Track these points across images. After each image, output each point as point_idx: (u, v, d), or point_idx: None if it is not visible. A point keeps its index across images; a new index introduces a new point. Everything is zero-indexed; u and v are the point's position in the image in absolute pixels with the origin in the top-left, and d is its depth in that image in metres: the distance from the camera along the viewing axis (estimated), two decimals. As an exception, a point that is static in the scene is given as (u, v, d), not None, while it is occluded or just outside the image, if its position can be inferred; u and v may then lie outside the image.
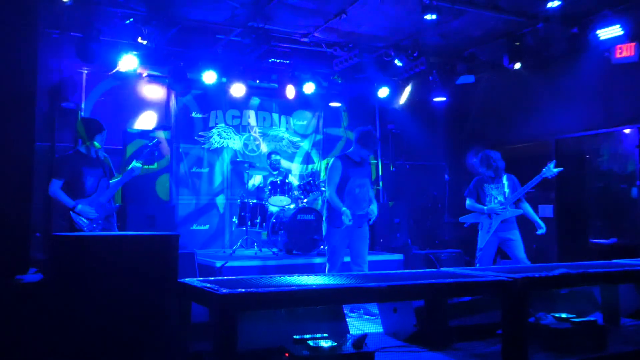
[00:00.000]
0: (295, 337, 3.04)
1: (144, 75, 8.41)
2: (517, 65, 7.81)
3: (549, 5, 6.69)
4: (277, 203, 8.01)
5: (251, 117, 9.69)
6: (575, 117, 8.13)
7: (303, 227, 7.64)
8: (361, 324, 4.83)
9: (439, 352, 3.57)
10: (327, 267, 5.52)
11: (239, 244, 8.04)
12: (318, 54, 8.60)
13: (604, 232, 7.52)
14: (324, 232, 5.57)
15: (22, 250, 2.66)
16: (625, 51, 6.91)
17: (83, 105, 8.23)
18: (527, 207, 6.07)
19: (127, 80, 8.37)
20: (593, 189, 7.84)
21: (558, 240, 7.93)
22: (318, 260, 7.25)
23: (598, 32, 6.85)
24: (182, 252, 6.41)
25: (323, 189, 8.18)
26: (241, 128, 9.60)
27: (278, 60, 8.52)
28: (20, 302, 2.54)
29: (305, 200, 8.10)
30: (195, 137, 9.21)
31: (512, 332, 3.21)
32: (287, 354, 2.86)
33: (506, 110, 9.12)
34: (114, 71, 8.05)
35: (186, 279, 2.98)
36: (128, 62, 7.54)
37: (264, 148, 9.65)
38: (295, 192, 8.17)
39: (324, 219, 5.58)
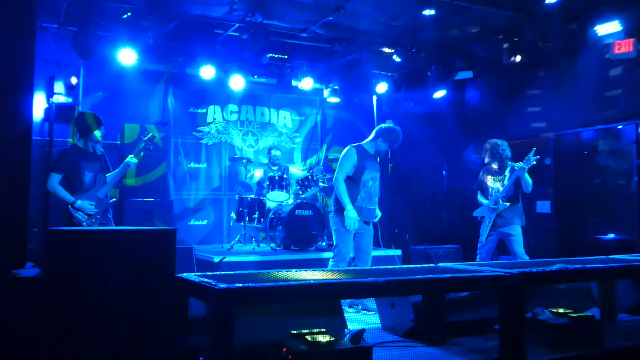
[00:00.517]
0: (292, 331, 3.04)
1: (142, 69, 8.38)
2: (518, 58, 7.80)
3: (548, 1, 6.68)
4: (275, 198, 8.01)
5: (249, 112, 9.68)
6: (574, 113, 8.13)
7: (301, 223, 7.64)
8: (359, 317, 4.83)
9: (437, 347, 3.57)
10: (334, 262, 5.28)
11: (237, 239, 8.04)
12: (316, 49, 8.58)
13: (601, 228, 7.53)
14: (332, 223, 5.35)
15: (19, 244, 2.65)
16: (623, 47, 6.91)
17: (80, 100, 8.20)
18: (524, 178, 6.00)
19: (125, 75, 8.34)
20: (591, 185, 7.85)
21: (556, 236, 7.93)
22: (316, 255, 7.25)
23: (597, 28, 6.85)
24: (180, 247, 6.44)
25: (321, 184, 8.19)
26: (239, 123, 9.59)
27: (276, 56, 8.51)
28: (17, 297, 2.54)
29: (303, 196, 8.10)
30: (193, 132, 9.20)
31: (510, 327, 3.21)
32: (284, 349, 2.86)
33: (504, 106, 9.12)
34: (111, 66, 8.02)
35: (184, 274, 2.98)
36: (126, 57, 7.52)
37: (262, 143, 9.64)
38: (294, 188, 8.16)
39: (332, 209, 5.39)
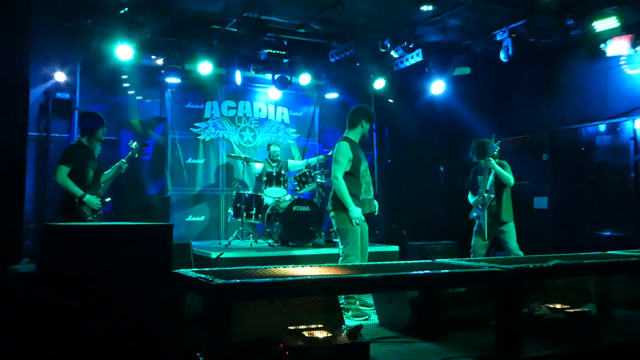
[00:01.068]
0: (290, 327, 3.04)
1: (139, 65, 8.35)
2: (516, 54, 7.80)
3: (545, -4, 6.68)
4: (273, 194, 8.00)
5: (247, 108, 9.67)
6: (571, 109, 8.13)
7: (299, 219, 7.64)
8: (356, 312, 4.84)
9: (434, 342, 3.58)
10: (347, 257, 5.12)
11: (234, 235, 8.04)
12: (314, 45, 8.56)
13: (598, 224, 7.54)
14: (337, 222, 5.22)
15: (15, 240, 2.65)
16: (620, 43, 6.91)
17: (77, 95, 8.18)
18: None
19: (122, 71, 8.32)
20: (588, 181, 7.85)
21: (553, 232, 7.95)
22: (314, 251, 7.25)
23: (594, 24, 6.84)
24: (177, 243, 6.44)
25: (319, 180, 8.18)
26: (237, 119, 9.58)
27: (274, 51, 8.48)
28: (13, 292, 2.53)
29: (301, 192, 8.09)
30: (191, 128, 9.19)
31: (506, 322, 3.22)
32: (281, 345, 2.86)
33: (502, 102, 9.11)
34: (108, 61, 8.00)
35: (181, 270, 2.97)
36: (123, 52, 7.50)
37: (260, 139, 9.63)
38: (291, 183, 8.16)
39: (332, 208, 5.27)
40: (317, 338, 2.90)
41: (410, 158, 10.28)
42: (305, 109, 10.12)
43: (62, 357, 2.51)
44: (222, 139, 9.40)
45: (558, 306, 3.77)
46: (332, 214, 5.30)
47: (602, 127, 7.79)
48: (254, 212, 7.93)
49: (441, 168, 10.10)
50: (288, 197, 8.08)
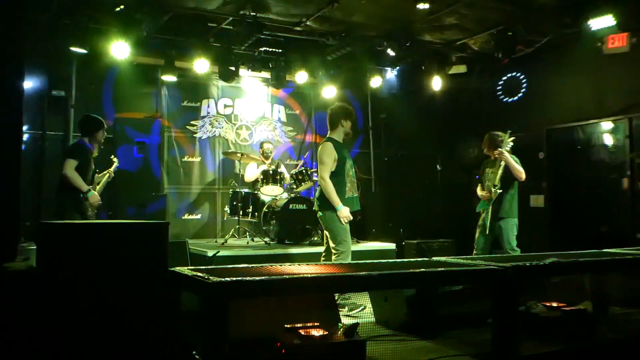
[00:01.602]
0: (286, 325, 3.03)
1: (135, 63, 8.33)
2: (512, 52, 7.81)
3: (542, -6, 6.68)
4: (269, 192, 8.00)
5: (243, 106, 9.65)
6: (567, 107, 8.15)
7: (295, 217, 7.64)
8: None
9: (430, 340, 3.58)
10: (339, 255, 5.15)
11: (230, 233, 8.03)
12: (310, 43, 8.55)
13: (594, 222, 7.56)
14: (326, 222, 5.26)
15: (10, 238, 2.63)
16: (617, 41, 6.92)
17: (73, 93, 8.15)
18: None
19: (118, 68, 8.30)
20: (584, 179, 7.87)
21: (549, 230, 7.97)
22: (310, 249, 7.25)
23: (590, 22, 6.85)
24: (173, 241, 6.42)
25: (316, 178, 8.18)
26: (233, 117, 9.56)
27: (270, 49, 8.47)
28: (8, 291, 2.52)
29: (297, 190, 8.09)
30: (187, 126, 9.17)
31: (503, 320, 3.22)
32: (278, 343, 2.86)
33: (498, 100, 9.13)
34: (104, 59, 7.97)
35: (177, 268, 2.96)
36: (119, 50, 7.47)
37: (256, 137, 9.62)
38: (288, 182, 8.15)
39: (320, 208, 5.31)
40: (313, 336, 2.89)
41: (407, 156, 10.28)
42: (302, 107, 10.11)
43: (57, 355, 2.50)
44: (218, 137, 9.38)
45: (554, 304, 3.77)
46: (319, 213, 5.35)
47: (598, 125, 7.80)
48: (250, 210, 7.93)
49: (438, 166, 10.11)
50: (285, 194, 8.07)
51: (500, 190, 6.11)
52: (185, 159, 9.12)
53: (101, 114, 6.21)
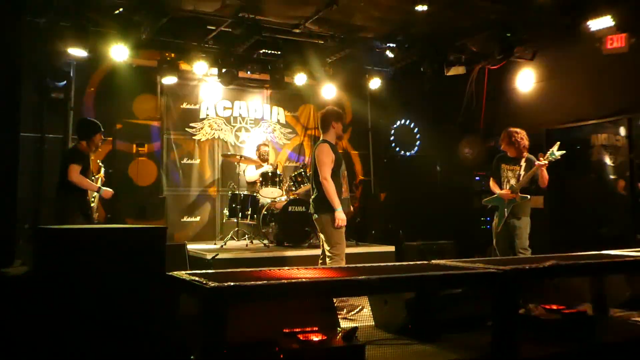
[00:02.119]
0: (285, 330, 3.02)
1: (134, 65, 8.32)
2: (511, 52, 7.82)
3: (541, -5, 6.68)
4: (268, 195, 7.99)
5: (242, 108, 9.64)
6: (566, 107, 8.14)
7: (294, 219, 7.63)
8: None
9: (430, 344, 3.56)
10: (335, 258, 5.16)
11: (230, 235, 8.02)
12: (309, 45, 8.54)
13: (594, 223, 7.55)
14: (324, 224, 5.25)
15: (7, 242, 2.62)
16: (615, 42, 6.91)
17: (72, 96, 8.14)
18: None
19: (117, 71, 8.29)
20: (584, 180, 7.86)
21: (549, 231, 7.95)
22: (309, 252, 7.24)
23: (589, 22, 6.84)
24: (172, 244, 6.42)
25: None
26: (232, 119, 9.55)
27: (269, 51, 8.47)
28: (5, 295, 2.51)
29: (296, 192, 8.08)
30: (186, 129, 9.16)
31: (502, 323, 3.21)
32: (277, 348, 2.85)
33: (497, 100, 9.12)
34: (103, 61, 7.97)
35: (174, 272, 2.95)
36: (118, 52, 7.46)
37: (255, 139, 9.61)
38: (287, 184, 8.14)
39: (318, 209, 5.30)
40: (312, 341, 2.88)
41: (406, 157, 10.27)
42: (301, 109, 10.10)
43: (54, 359, 2.49)
44: (217, 139, 9.37)
45: (554, 307, 3.76)
46: (315, 216, 5.34)
47: (597, 126, 7.79)
48: (249, 212, 7.92)
49: (438, 167, 10.09)
50: (284, 196, 8.06)
51: (528, 197, 6.07)
52: (185, 161, 9.11)
53: (100, 117, 6.21)
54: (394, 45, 8.29)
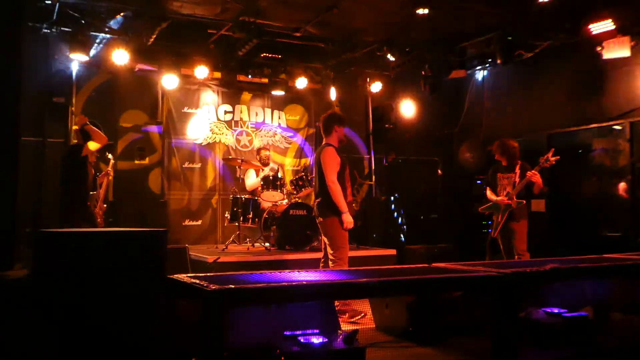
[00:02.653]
0: (285, 333, 3.02)
1: (135, 70, 8.34)
2: (512, 57, 7.82)
3: (541, -1, 6.68)
4: (270, 198, 7.99)
5: (243, 112, 9.65)
6: (567, 111, 8.14)
7: (296, 223, 7.62)
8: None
9: (430, 347, 3.57)
10: (338, 261, 5.15)
11: (231, 239, 8.01)
12: (310, 49, 8.56)
13: (595, 226, 7.54)
14: (328, 228, 5.24)
15: (7, 246, 2.63)
16: (617, 46, 6.92)
17: (74, 101, 8.15)
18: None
19: (118, 75, 8.30)
20: (585, 184, 7.86)
21: (550, 235, 7.94)
22: (310, 255, 7.23)
23: (590, 26, 6.85)
24: (174, 248, 6.42)
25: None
26: (233, 123, 9.56)
27: (270, 55, 8.48)
28: (5, 299, 2.52)
29: (297, 196, 8.08)
30: (187, 133, 9.16)
31: (502, 327, 3.21)
32: (277, 351, 2.85)
33: (498, 104, 9.12)
34: (105, 66, 7.99)
35: (176, 275, 2.96)
36: (119, 57, 7.48)
37: (257, 143, 9.62)
38: (288, 188, 8.14)
39: (323, 213, 5.29)
40: (313, 343, 2.89)
41: (407, 161, 10.27)
42: (302, 112, 10.11)
43: (56, 364, 2.49)
44: (218, 143, 9.38)
45: (555, 310, 3.75)
46: (320, 219, 5.34)
47: (598, 130, 7.79)
48: (250, 216, 7.92)
49: (439, 171, 10.10)
50: (285, 200, 8.06)
51: (523, 201, 6.18)
52: (186, 165, 9.11)
53: (101, 121, 6.21)
54: (395, 48, 8.29)
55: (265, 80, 9.21)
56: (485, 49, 8.22)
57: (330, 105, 9.93)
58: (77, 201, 5.53)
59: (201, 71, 8.26)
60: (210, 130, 9.33)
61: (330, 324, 3.44)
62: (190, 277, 2.91)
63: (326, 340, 2.93)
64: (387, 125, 10.16)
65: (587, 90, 7.88)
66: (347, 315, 4.85)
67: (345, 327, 3.81)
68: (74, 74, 8.14)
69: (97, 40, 7.47)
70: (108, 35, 7.44)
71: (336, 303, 3.99)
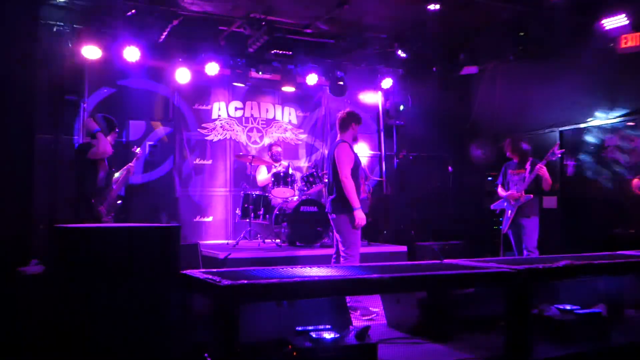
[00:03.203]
0: (297, 328, 3.03)
1: (147, 66, 8.37)
2: (524, 52, 7.78)
3: (554, -6, 6.64)
4: (280, 195, 8.00)
5: (254, 109, 9.67)
6: (580, 108, 8.08)
7: (306, 219, 7.64)
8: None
9: (442, 343, 3.56)
10: (350, 258, 5.17)
11: (242, 235, 8.04)
12: (321, 45, 8.55)
13: (608, 223, 7.48)
14: (341, 224, 5.25)
15: (23, 242, 2.66)
16: (630, 41, 6.86)
17: (86, 97, 8.20)
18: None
19: (130, 72, 8.34)
20: (598, 180, 7.80)
21: (562, 231, 7.90)
22: (321, 251, 7.24)
23: (603, 21, 6.79)
24: (185, 244, 6.45)
25: (327, 180, 8.16)
26: (244, 120, 9.58)
27: (280, 51, 8.47)
28: (21, 294, 2.54)
29: (308, 192, 8.08)
30: (199, 129, 9.20)
31: (515, 323, 3.20)
32: (289, 346, 2.86)
33: (510, 101, 9.07)
34: (116, 62, 8.02)
35: (188, 271, 2.97)
36: (130, 54, 7.51)
37: (267, 140, 9.63)
38: (299, 184, 8.15)
39: (336, 209, 5.30)
40: (324, 339, 2.89)
41: (418, 157, 10.25)
42: (313, 109, 10.11)
43: (70, 357, 2.51)
44: (229, 139, 9.41)
45: (568, 307, 3.74)
46: (333, 216, 5.34)
47: (611, 126, 7.73)
48: (261, 212, 7.94)
49: (450, 168, 10.06)
50: (296, 197, 8.08)
51: (532, 195, 6.23)
52: (197, 161, 9.15)
53: (114, 117, 6.24)
54: (406, 44, 8.26)
55: (276, 76, 9.21)
56: (497, 44, 8.17)
57: (341, 102, 9.94)
58: (81, 199, 5.56)
59: (212, 68, 8.28)
60: (222, 127, 9.36)
61: (342, 320, 3.46)
62: (203, 272, 2.93)
63: (338, 335, 2.94)
64: (397, 122, 10.14)
65: (600, 86, 7.81)
66: (358, 312, 4.86)
67: (357, 323, 3.81)
68: (86, 71, 8.17)
69: (109, 37, 7.50)
70: (120, 32, 7.46)
71: (348, 299, 3.99)
